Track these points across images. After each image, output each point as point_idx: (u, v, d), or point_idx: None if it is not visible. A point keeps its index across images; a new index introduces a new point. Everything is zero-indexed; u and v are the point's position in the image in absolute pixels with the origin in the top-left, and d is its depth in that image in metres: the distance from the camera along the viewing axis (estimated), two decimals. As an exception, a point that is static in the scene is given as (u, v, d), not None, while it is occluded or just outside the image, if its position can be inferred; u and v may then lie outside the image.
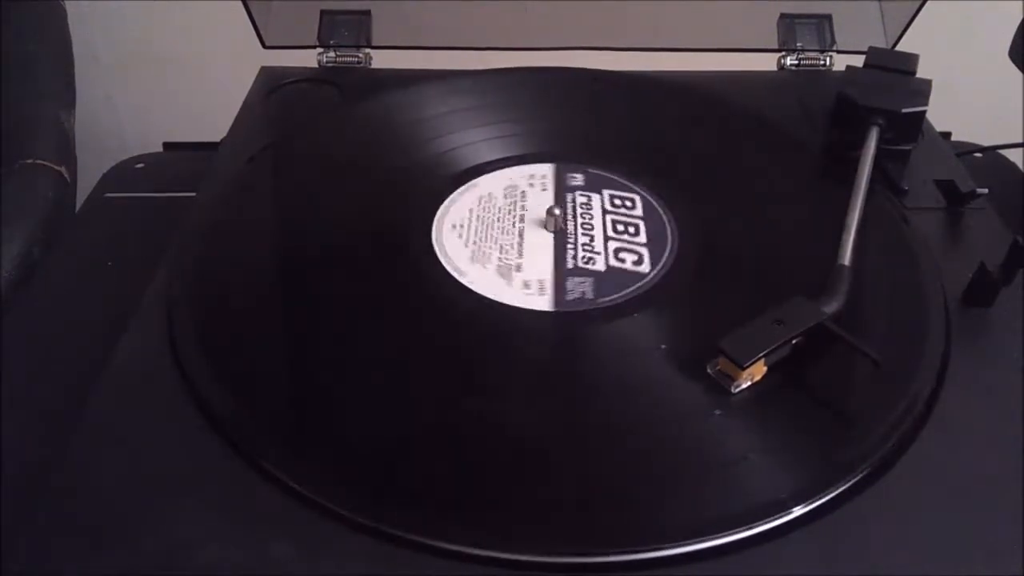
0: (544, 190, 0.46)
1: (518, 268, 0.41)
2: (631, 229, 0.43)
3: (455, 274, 0.40)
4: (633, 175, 0.47)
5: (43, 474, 0.32)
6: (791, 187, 0.47)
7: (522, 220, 0.44)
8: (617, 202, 0.45)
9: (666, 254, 0.41)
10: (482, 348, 0.38)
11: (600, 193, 0.45)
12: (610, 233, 0.43)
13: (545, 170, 0.47)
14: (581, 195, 0.45)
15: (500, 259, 0.41)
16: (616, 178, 0.47)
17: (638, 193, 0.46)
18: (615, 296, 0.39)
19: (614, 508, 0.31)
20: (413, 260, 0.41)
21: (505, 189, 0.46)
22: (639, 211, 0.44)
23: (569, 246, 0.42)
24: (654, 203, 0.45)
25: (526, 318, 0.38)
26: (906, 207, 0.45)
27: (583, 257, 0.41)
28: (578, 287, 0.40)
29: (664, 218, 0.44)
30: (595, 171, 0.47)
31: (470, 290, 0.39)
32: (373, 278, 0.41)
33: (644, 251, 0.41)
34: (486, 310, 0.39)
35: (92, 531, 0.30)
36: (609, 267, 0.41)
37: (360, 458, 0.33)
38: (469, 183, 0.46)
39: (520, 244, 0.42)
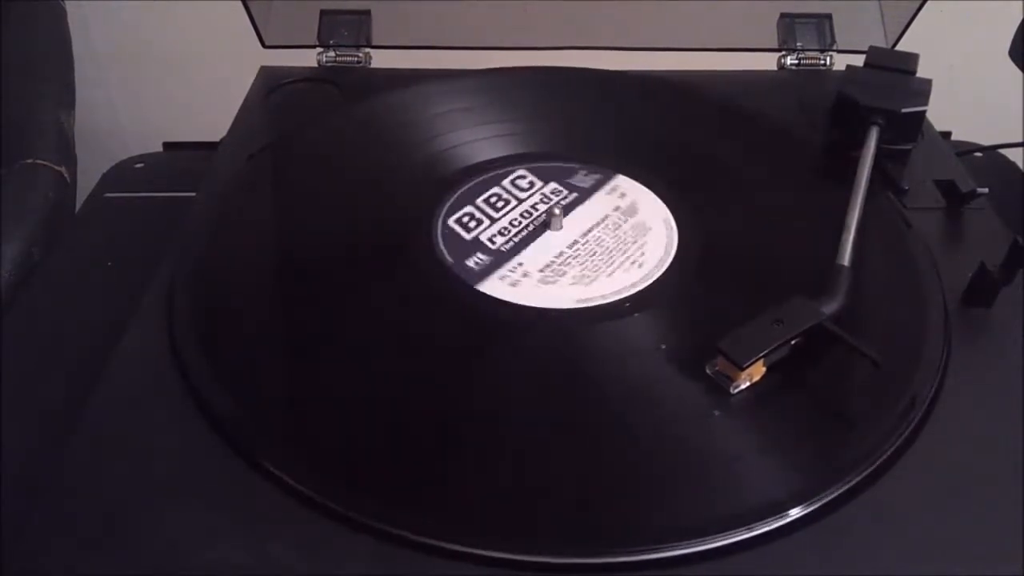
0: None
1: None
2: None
3: (455, 271, 0.40)
4: (633, 174, 0.47)
5: (43, 474, 0.32)
6: (791, 187, 0.47)
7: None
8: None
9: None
10: (483, 347, 0.38)
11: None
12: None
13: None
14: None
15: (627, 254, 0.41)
16: (610, 175, 0.47)
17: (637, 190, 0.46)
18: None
19: (614, 508, 0.31)
20: (413, 260, 0.41)
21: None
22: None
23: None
24: (653, 202, 0.45)
25: (527, 318, 0.38)
26: (906, 207, 0.45)
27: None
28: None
29: (664, 218, 0.44)
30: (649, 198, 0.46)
31: (471, 287, 0.39)
32: (373, 277, 0.41)
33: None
34: (487, 309, 0.39)
35: (92, 531, 0.30)
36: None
37: (360, 458, 0.33)
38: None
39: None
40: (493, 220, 0.44)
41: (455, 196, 0.45)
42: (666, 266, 0.41)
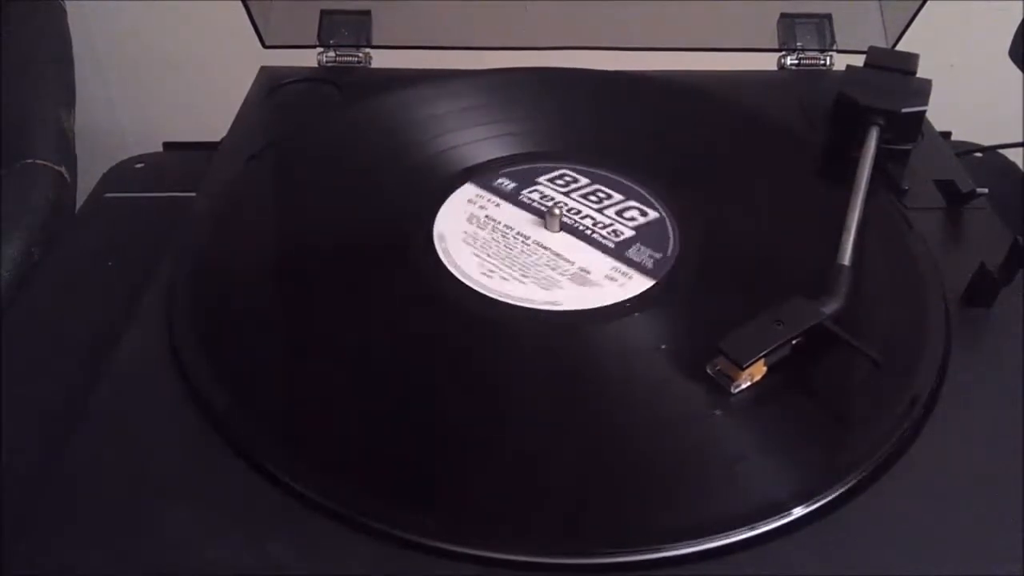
0: (498, 205, 0.45)
1: (586, 271, 0.41)
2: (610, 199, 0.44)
3: (454, 272, 0.40)
4: (632, 175, 0.47)
5: (43, 474, 0.32)
6: (791, 187, 0.47)
7: (525, 236, 0.43)
8: (595, 198, 0.45)
9: (666, 257, 0.41)
10: (484, 348, 0.38)
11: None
12: (604, 209, 0.43)
13: (470, 193, 0.45)
14: (534, 192, 0.45)
15: (563, 272, 0.40)
16: (610, 175, 0.47)
17: (636, 193, 0.46)
18: (668, 244, 0.41)
19: (614, 508, 0.31)
20: (413, 259, 0.41)
21: (470, 219, 0.44)
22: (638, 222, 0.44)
23: (587, 231, 0.42)
24: (654, 202, 0.45)
25: (527, 318, 0.38)
26: (906, 207, 0.45)
27: (610, 231, 0.42)
28: (638, 253, 0.41)
29: (664, 218, 0.44)
30: (649, 198, 0.45)
31: (470, 288, 0.39)
32: (373, 278, 0.41)
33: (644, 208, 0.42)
34: (488, 309, 0.39)
35: (92, 531, 0.30)
36: (635, 229, 0.42)
37: (360, 458, 0.33)
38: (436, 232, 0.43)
39: (556, 253, 0.42)
40: (568, 195, 0.45)
41: (455, 195, 0.45)
42: (667, 266, 0.41)
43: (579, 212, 0.44)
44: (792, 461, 0.33)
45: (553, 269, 0.41)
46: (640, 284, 0.40)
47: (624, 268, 0.40)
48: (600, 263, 0.41)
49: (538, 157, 0.48)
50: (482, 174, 0.46)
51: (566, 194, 0.45)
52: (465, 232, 0.43)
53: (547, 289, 0.39)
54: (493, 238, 0.42)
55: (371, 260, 0.42)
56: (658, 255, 0.41)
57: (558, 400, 0.35)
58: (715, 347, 0.34)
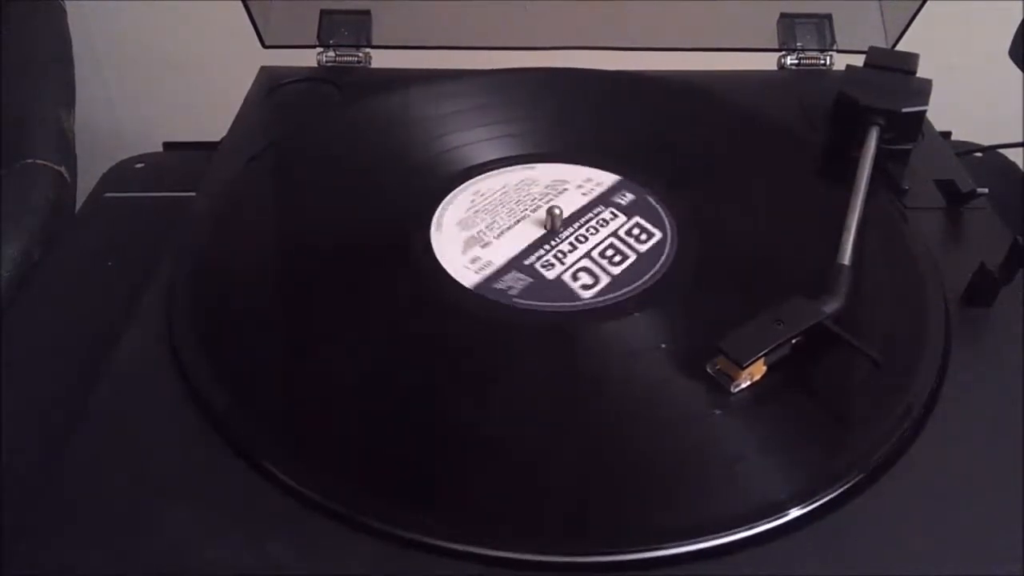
0: (584, 195, 0.45)
1: (484, 245, 0.42)
2: (617, 258, 0.41)
3: (454, 273, 0.40)
4: (632, 174, 0.47)
5: (43, 474, 0.32)
6: (791, 187, 0.47)
7: (534, 211, 0.44)
8: (636, 232, 0.43)
9: (623, 290, 0.40)
10: (484, 348, 0.38)
11: (630, 218, 0.44)
12: (594, 254, 0.42)
13: (604, 179, 0.47)
14: (611, 213, 0.44)
15: (480, 232, 0.42)
16: (611, 176, 0.47)
17: (635, 192, 0.46)
18: (534, 303, 0.39)
19: (614, 508, 0.31)
20: (412, 260, 0.41)
21: (553, 180, 0.46)
22: (645, 246, 0.42)
23: (544, 248, 0.42)
24: (653, 201, 0.45)
25: (527, 318, 0.38)
26: (906, 207, 0.45)
27: (545, 261, 0.41)
28: (511, 281, 0.40)
29: (664, 218, 0.44)
30: (649, 198, 0.45)
31: (468, 289, 0.39)
32: (372, 278, 0.41)
33: (604, 280, 0.40)
34: (488, 309, 0.39)
35: (92, 531, 0.30)
36: (557, 279, 0.40)
37: (360, 458, 0.33)
38: (528, 164, 0.47)
39: (508, 228, 0.43)
40: (512, 202, 0.45)
41: (455, 195, 0.45)
42: (667, 266, 0.41)
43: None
44: (792, 461, 0.33)
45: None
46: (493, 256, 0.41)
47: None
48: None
49: (538, 157, 0.48)
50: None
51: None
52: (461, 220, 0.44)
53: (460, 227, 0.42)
54: (503, 196, 0.44)
55: (371, 260, 0.42)
56: (526, 285, 0.40)
57: (558, 400, 0.35)
58: (715, 346, 0.34)
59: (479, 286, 0.40)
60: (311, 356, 0.37)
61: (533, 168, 0.47)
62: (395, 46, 0.58)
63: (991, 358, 0.37)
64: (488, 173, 0.47)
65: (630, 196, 0.46)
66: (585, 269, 0.41)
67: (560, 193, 0.45)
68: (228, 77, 0.58)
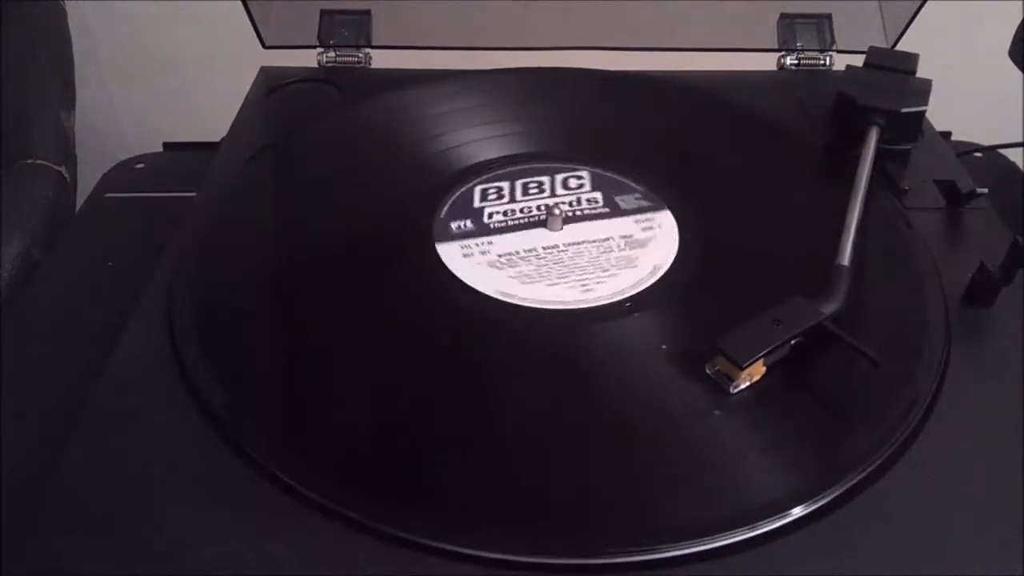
0: (491, 243, 0.43)
1: (626, 236, 0.42)
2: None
3: (455, 271, 0.40)
4: (633, 174, 0.47)
5: (43, 474, 0.32)
6: (791, 187, 0.47)
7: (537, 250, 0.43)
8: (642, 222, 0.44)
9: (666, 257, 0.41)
10: (484, 348, 0.38)
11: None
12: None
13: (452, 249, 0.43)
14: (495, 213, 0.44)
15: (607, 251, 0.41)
16: (611, 175, 0.47)
17: (636, 193, 0.46)
18: (666, 256, 0.41)
19: (614, 508, 0.31)
20: (413, 259, 0.41)
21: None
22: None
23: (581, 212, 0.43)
24: (653, 203, 0.45)
25: (527, 318, 0.38)
26: (906, 207, 0.45)
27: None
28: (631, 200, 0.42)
29: (664, 218, 0.44)
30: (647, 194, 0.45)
31: (471, 288, 0.39)
32: (373, 278, 0.41)
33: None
34: (488, 309, 0.39)
35: (92, 531, 0.30)
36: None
37: (360, 458, 0.33)
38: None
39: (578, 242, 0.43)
40: (513, 200, 0.44)
41: (456, 195, 0.45)
42: (667, 266, 0.41)
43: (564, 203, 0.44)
44: (791, 461, 0.33)
45: (596, 256, 0.41)
46: (667, 217, 0.42)
47: (643, 217, 0.41)
48: (624, 226, 0.42)
49: (538, 158, 0.48)
50: (440, 232, 0.43)
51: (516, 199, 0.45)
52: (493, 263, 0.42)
53: (587, 287, 0.40)
54: (526, 262, 0.41)
55: (371, 260, 0.42)
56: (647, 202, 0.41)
57: (558, 400, 0.35)
58: (714, 347, 0.34)
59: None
60: (311, 356, 0.37)
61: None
62: (395, 46, 0.58)
63: (991, 358, 0.37)
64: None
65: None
66: (578, 281, 0.41)
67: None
68: (228, 77, 0.58)
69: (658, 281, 0.40)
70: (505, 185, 0.45)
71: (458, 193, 0.44)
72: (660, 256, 0.42)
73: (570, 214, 0.44)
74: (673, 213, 0.44)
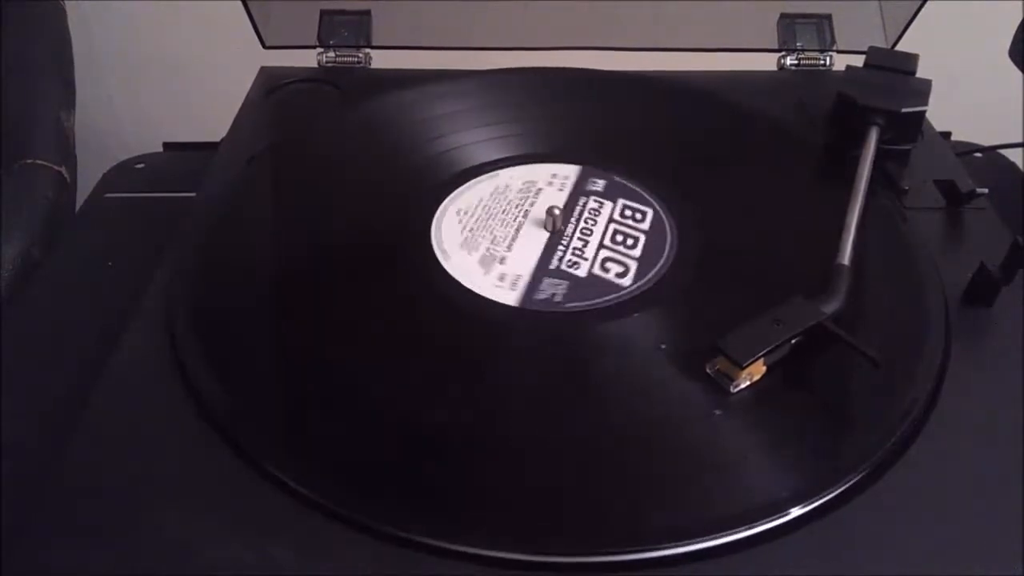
0: (560, 190, 0.46)
1: (501, 260, 0.41)
2: (629, 241, 0.42)
3: (455, 274, 0.40)
4: (632, 174, 0.47)
5: (43, 474, 0.32)
6: (791, 187, 0.47)
7: (525, 216, 0.44)
8: (628, 213, 0.44)
9: (656, 268, 0.41)
10: (485, 349, 0.38)
11: (614, 202, 0.45)
12: (606, 242, 0.42)
13: (568, 171, 0.47)
14: (595, 200, 0.45)
15: (488, 249, 0.41)
16: (628, 184, 0.47)
17: (648, 200, 0.46)
18: (584, 303, 0.39)
19: (614, 508, 0.31)
20: (412, 260, 0.41)
21: (523, 184, 0.46)
22: (645, 224, 0.44)
23: (560, 248, 0.42)
24: (653, 202, 0.45)
25: (527, 318, 0.38)
26: (906, 207, 0.45)
27: (569, 261, 0.41)
28: (551, 288, 0.40)
29: (664, 219, 0.44)
30: (619, 179, 0.47)
31: (471, 291, 0.39)
32: (372, 279, 0.41)
33: (632, 265, 0.41)
34: (487, 309, 0.39)
35: (92, 531, 0.30)
36: (590, 274, 0.40)
37: (360, 458, 0.33)
38: (490, 173, 0.47)
39: (513, 238, 0.43)
40: (498, 212, 0.45)
41: (455, 196, 0.45)
42: (650, 282, 0.41)
43: (588, 233, 0.44)
44: (791, 461, 0.33)
45: (491, 241, 0.42)
46: (503, 298, 0.39)
47: (518, 282, 0.40)
48: (517, 267, 0.41)
49: (538, 158, 0.48)
50: (595, 165, 0.47)
51: (609, 222, 0.45)
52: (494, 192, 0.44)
53: (462, 248, 0.41)
54: (505, 200, 0.44)
55: (370, 260, 0.42)
56: (556, 297, 0.40)
57: (557, 400, 0.35)
58: (715, 346, 0.34)
59: (524, 301, 0.39)
60: (311, 356, 0.37)
61: (497, 175, 0.47)
62: (395, 46, 0.58)
63: (991, 358, 0.37)
64: (456, 191, 0.46)
65: (602, 182, 0.47)
66: (609, 259, 0.41)
67: (536, 194, 0.46)
68: (228, 77, 0.58)
69: (658, 281, 0.40)
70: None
71: (439, 228, 0.44)
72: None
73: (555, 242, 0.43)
74: (673, 213, 0.44)
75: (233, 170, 0.47)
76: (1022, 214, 0.48)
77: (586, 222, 0.44)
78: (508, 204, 0.45)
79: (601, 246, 0.42)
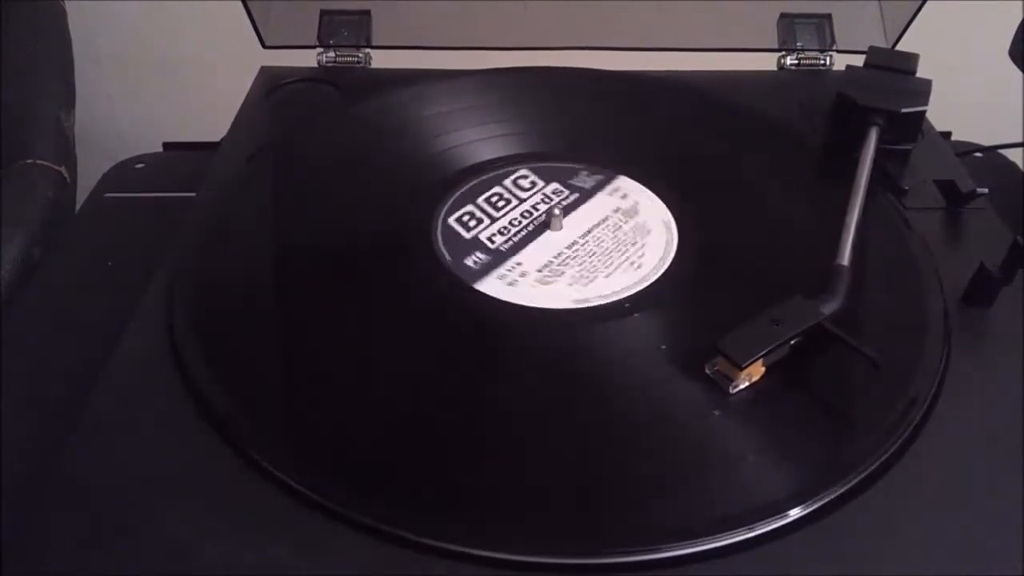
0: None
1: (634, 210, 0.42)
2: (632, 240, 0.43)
3: (455, 271, 0.40)
4: (633, 174, 0.47)
5: (43, 474, 0.32)
6: (791, 187, 0.47)
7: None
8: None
9: (665, 257, 0.41)
10: (483, 348, 0.38)
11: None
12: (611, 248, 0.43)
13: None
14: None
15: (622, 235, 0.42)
16: (611, 175, 0.47)
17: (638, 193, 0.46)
18: (666, 256, 0.41)
19: (613, 509, 0.31)
20: (413, 259, 0.41)
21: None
22: (639, 217, 0.44)
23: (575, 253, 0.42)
24: (654, 203, 0.45)
25: (527, 318, 0.38)
26: (906, 207, 0.45)
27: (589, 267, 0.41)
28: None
29: (664, 219, 0.44)
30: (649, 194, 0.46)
31: (471, 288, 0.39)
32: (373, 278, 0.41)
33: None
34: (487, 309, 0.39)
35: (92, 531, 0.30)
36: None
37: (360, 458, 0.33)
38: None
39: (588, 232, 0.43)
40: (493, 219, 0.44)
41: (455, 196, 0.45)
42: (666, 266, 0.41)
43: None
44: (791, 462, 0.33)
45: (614, 235, 0.43)
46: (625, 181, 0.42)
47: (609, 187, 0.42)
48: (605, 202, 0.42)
49: (538, 157, 0.48)
50: (468, 275, 0.42)
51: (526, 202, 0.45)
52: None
53: (636, 264, 0.41)
54: (568, 266, 0.42)
55: (370, 260, 0.42)
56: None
57: (557, 400, 0.35)
58: (714, 347, 0.34)
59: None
60: (311, 356, 0.37)
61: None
62: (395, 46, 0.58)
63: (991, 358, 0.37)
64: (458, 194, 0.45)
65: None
66: (625, 261, 0.42)
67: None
68: (228, 77, 0.58)
69: (658, 281, 0.40)
70: (472, 209, 0.44)
71: (439, 228, 0.43)
72: (653, 212, 0.44)
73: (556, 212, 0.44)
74: (673, 212, 0.44)
75: (233, 170, 0.47)
76: (1022, 214, 0.48)
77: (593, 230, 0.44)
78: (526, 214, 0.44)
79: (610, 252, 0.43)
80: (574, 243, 0.42)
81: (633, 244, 0.42)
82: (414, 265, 0.41)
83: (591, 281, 0.40)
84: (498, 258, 0.41)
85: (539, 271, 0.41)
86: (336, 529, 0.30)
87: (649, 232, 0.43)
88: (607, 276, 0.40)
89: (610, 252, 0.42)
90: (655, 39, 0.57)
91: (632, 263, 0.41)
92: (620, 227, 0.43)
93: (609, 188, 0.46)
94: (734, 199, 0.46)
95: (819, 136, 0.50)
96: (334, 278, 0.41)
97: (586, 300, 0.39)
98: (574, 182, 0.46)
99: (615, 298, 0.39)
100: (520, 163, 0.48)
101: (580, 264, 0.41)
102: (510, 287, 0.40)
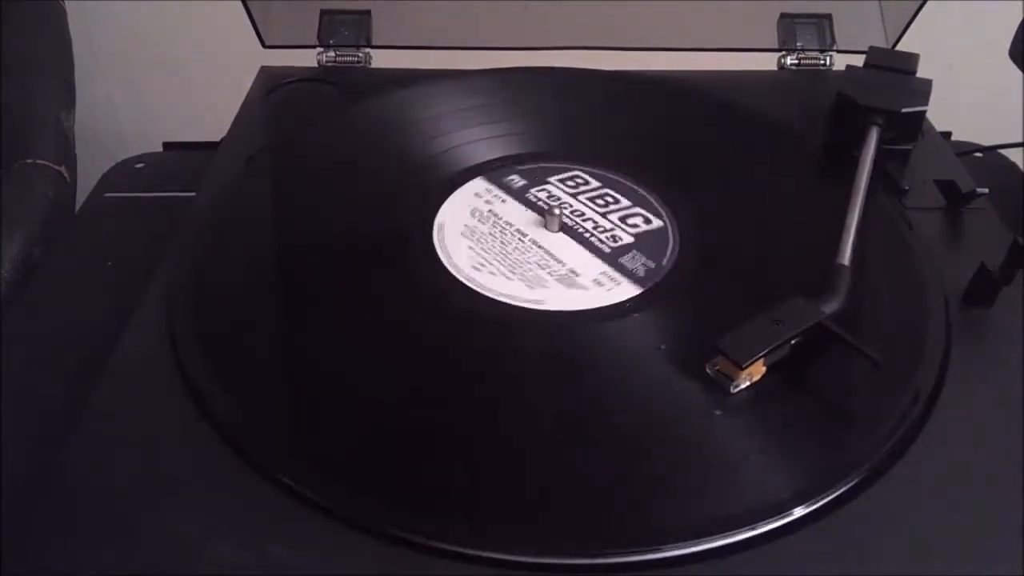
0: (504, 201, 0.45)
1: (575, 272, 0.40)
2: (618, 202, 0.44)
3: (455, 272, 0.40)
4: (633, 174, 0.47)
5: (43, 474, 0.32)
6: (791, 187, 0.47)
7: (522, 233, 0.43)
8: (602, 202, 0.45)
9: (656, 268, 0.41)
10: (483, 348, 0.38)
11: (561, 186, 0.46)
12: (608, 213, 0.43)
13: (480, 187, 0.46)
14: (542, 191, 0.46)
15: (552, 273, 0.40)
16: (627, 183, 0.46)
17: (648, 200, 0.46)
18: (666, 256, 0.41)
19: (614, 509, 0.31)
20: (413, 259, 0.41)
21: (473, 213, 0.44)
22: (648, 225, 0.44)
23: (586, 233, 0.42)
24: (654, 202, 0.45)
25: (527, 318, 0.38)
26: (906, 207, 0.45)
27: (609, 236, 0.42)
28: (632, 261, 0.41)
29: (664, 218, 0.44)
30: (618, 178, 0.47)
31: (469, 288, 0.39)
32: (373, 278, 0.41)
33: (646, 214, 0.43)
34: (487, 309, 0.39)
35: (92, 531, 0.30)
36: (635, 236, 0.42)
37: (360, 458, 0.33)
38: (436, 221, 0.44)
39: (549, 252, 0.42)
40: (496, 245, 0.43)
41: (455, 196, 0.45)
42: (666, 267, 0.41)
43: (582, 214, 0.44)
44: (792, 461, 0.33)
45: (542, 268, 0.41)
46: (626, 291, 0.39)
47: (614, 274, 0.40)
48: (591, 266, 0.41)
49: (537, 158, 0.48)
50: (495, 169, 0.47)
51: (574, 196, 0.45)
52: (466, 225, 0.43)
53: (532, 288, 0.39)
54: (491, 233, 0.42)
55: (370, 260, 0.42)
56: (652, 264, 0.41)
57: (557, 400, 0.35)
58: (715, 347, 0.34)
59: (645, 285, 0.40)
60: (311, 356, 0.37)
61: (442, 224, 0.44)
62: (395, 46, 0.58)
63: (991, 358, 0.37)
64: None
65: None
66: (625, 217, 0.43)
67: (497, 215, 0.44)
68: (228, 77, 0.58)
69: (658, 281, 0.40)
70: (594, 182, 0.46)
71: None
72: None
73: (575, 230, 0.43)
74: (673, 212, 0.44)
75: (233, 170, 0.47)
76: (1022, 214, 0.48)
77: (570, 208, 0.44)
78: (492, 236, 0.43)
79: (606, 215, 0.43)
80: (534, 242, 0.43)
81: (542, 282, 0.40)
82: (414, 265, 0.41)
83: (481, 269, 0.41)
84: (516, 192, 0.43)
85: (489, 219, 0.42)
86: (336, 529, 0.30)
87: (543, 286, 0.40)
88: (492, 274, 0.40)
89: (523, 263, 0.41)
90: (655, 39, 0.57)
91: (533, 281, 0.40)
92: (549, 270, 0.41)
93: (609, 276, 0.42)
94: (735, 199, 0.46)
95: (819, 136, 0.50)
96: (333, 278, 0.41)
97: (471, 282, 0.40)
98: (623, 260, 0.42)
99: (543, 307, 0.39)
100: (520, 163, 0.48)
101: (498, 248, 0.42)
102: (474, 197, 0.41)
